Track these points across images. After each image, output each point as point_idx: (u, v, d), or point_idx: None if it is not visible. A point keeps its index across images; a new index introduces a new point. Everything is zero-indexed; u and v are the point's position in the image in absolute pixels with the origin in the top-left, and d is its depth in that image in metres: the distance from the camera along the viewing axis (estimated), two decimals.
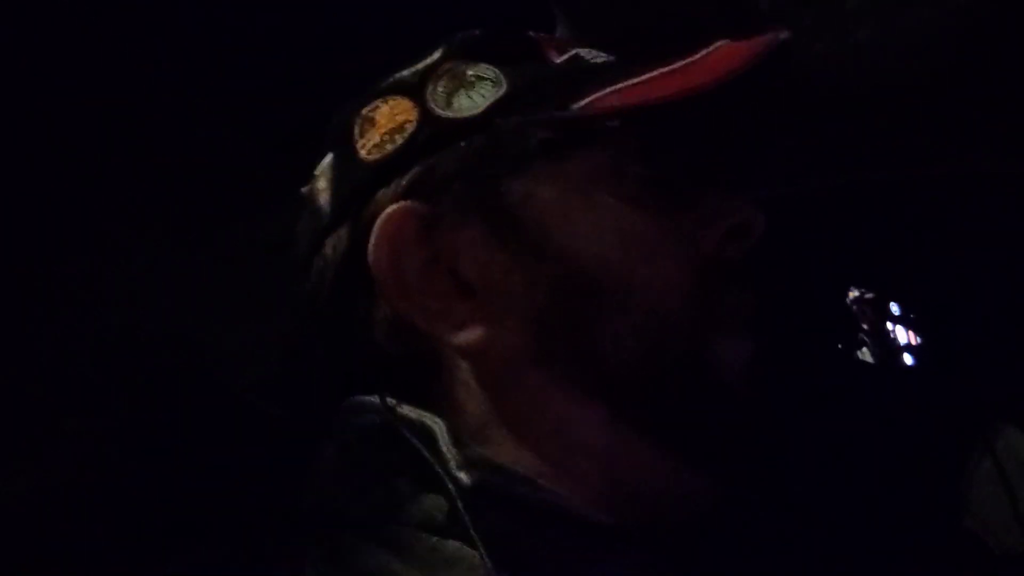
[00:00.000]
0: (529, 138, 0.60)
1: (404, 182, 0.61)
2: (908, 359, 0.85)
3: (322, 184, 0.66)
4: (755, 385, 0.61)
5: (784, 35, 0.62)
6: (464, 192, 0.60)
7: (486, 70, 0.63)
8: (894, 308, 0.86)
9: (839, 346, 0.86)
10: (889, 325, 0.85)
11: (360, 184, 0.63)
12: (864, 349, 0.86)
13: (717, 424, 0.61)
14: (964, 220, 0.83)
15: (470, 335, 0.60)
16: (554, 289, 0.60)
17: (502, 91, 0.62)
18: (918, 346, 0.85)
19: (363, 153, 0.63)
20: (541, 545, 0.58)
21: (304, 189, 0.67)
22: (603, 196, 0.61)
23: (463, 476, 0.58)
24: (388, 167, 0.62)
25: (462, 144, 0.61)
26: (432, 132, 0.62)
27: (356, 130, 0.64)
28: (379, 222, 0.60)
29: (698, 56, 0.63)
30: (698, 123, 0.63)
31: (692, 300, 0.60)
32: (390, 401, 0.60)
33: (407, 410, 0.61)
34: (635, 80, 0.62)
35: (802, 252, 0.86)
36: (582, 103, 0.61)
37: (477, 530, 0.56)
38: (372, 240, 0.60)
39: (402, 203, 0.60)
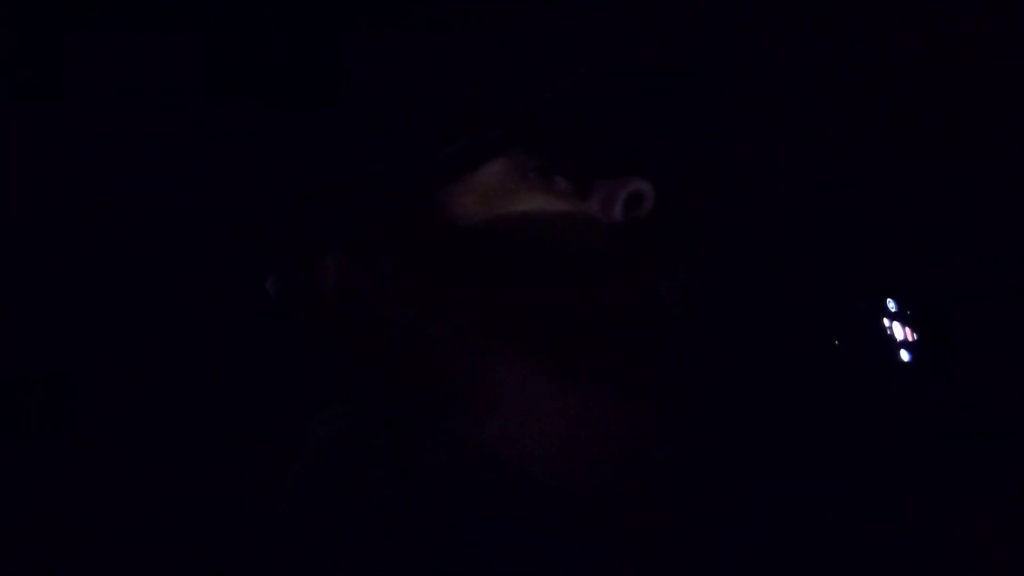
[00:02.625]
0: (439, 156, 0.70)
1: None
2: (905, 355, 0.85)
3: None
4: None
5: None
6: (396, 217, 0.69)
7: None
8: (891, 304, 0.86)
9: (836, 342, 0.86)
10: (886, 321, 0.86)
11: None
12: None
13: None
14: (962, 216, 0.84)
15: (428, 333, 0.66)
16: (489, 274, 0.67)
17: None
18: (915, 342, 0.85)
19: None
20: None
21: None
22: (512, 197, 0.69)
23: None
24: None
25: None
26: None
27: None
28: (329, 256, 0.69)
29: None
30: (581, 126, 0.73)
31: (610, 265, 0.68)
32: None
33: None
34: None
35: (799, 249, 0.87)
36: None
37: None
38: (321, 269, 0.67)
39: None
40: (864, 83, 0.85)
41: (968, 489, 0.79)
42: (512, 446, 0.64)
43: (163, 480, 0.64)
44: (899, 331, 0.85)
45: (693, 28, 0.84)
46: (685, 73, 0.85)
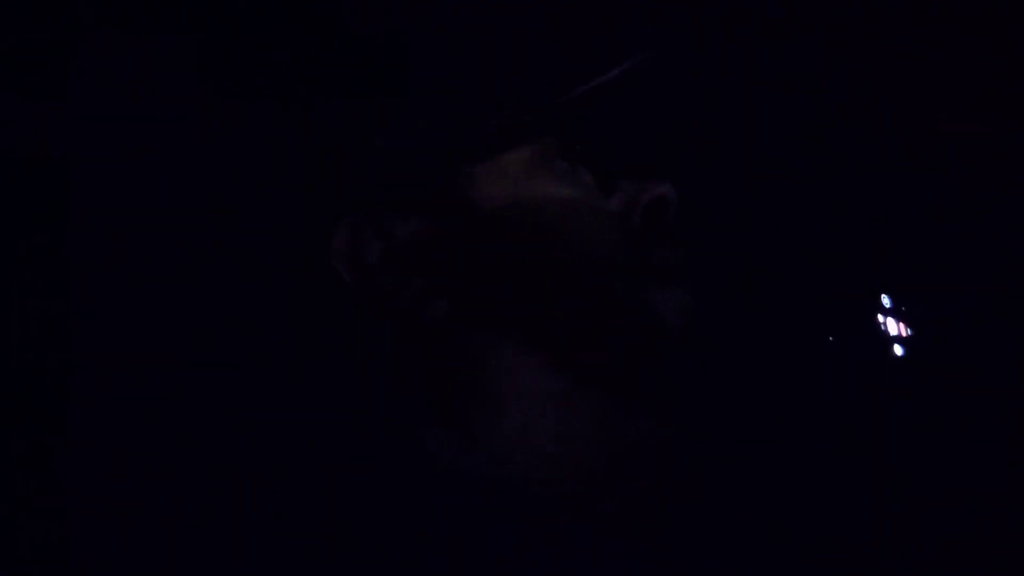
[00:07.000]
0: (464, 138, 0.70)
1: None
2: (898, 351, 0.85)
3: None
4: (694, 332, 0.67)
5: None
6: (415, 187, 0.69)
7: None
8: (885, 300, 0.86)
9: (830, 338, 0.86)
10: (879, 316, 0.86)
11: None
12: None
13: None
14: (955, 211, 0.84)
15: (431, 310, 0.65)
16: (500, 259, 0.66)
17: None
18: (908, 338, 0.85)
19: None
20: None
21: None
22: (537, 184, 0.68)
23: None
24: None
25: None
26: None
27: None
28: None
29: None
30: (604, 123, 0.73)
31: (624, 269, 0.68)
32: None
33: None
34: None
35: (793, 245, 0.87)
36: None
37: None
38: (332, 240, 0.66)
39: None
40: (860, 79, 0.85)
41: (962, 486, 0.79)
42: (508, 442, 0.64)
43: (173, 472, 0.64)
44: (892, 327, 0.86)
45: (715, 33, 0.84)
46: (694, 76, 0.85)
